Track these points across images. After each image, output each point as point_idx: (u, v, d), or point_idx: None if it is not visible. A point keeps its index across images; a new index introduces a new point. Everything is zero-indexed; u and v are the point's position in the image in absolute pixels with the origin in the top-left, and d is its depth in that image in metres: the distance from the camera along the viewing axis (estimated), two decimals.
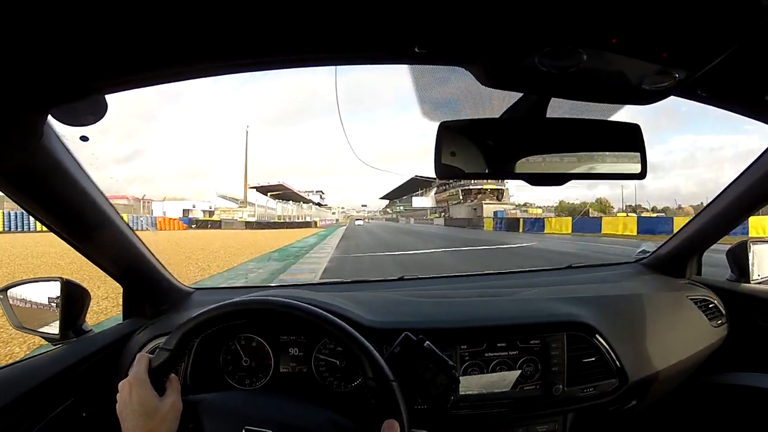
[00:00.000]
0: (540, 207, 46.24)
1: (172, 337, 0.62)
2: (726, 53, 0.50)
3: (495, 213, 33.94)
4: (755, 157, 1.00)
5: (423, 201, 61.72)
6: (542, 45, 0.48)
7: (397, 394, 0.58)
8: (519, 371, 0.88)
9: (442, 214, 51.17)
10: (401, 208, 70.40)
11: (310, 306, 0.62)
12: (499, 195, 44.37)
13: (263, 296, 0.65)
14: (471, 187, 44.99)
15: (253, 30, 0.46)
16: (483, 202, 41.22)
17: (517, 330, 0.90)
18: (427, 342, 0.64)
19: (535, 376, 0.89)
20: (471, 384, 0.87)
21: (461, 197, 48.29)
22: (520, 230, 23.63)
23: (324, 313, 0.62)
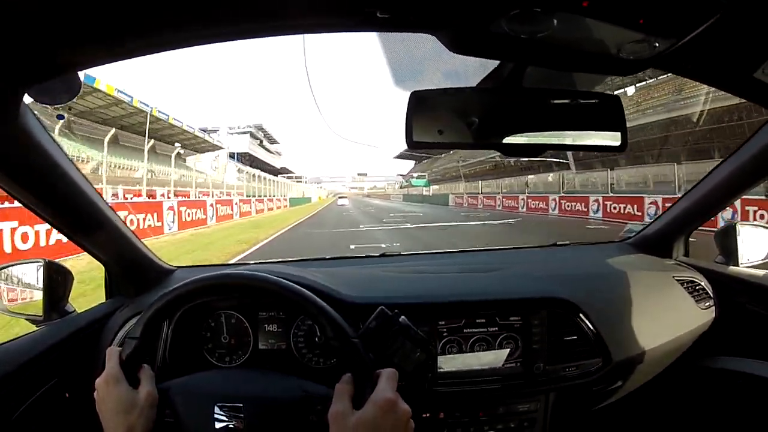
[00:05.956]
0: None
1: (137, 325, 0.63)
2: (708, 23, 0.48)
3: None
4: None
5: None
6: (509, 8, 0.46)
7: (361, 351, 0.58)
8: (503, 350, 0.88)
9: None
10: None
11: (267, 275, 0.62)
12: None
13: (229, 273, 0.65)
14: None
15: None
16: None
17: (497, 306, 0.89)
18: (403, 317, 0.64)
19: (516, 354, 0.88)
20: (450, 361, 0.86)
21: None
22: None
23: (280, 279, 0.62)
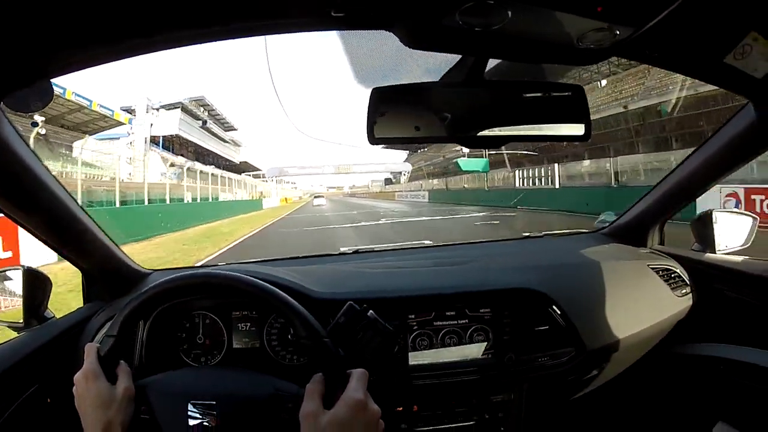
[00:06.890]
0: None
1: (114, 323, 0.64)
2: (669, 8, 0.47)
3: None
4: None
5: None
6: (461, 1, 0.46)
7: (331, 350, 0.59)
8: (474, 342, 0.89)
9: None
10: None
11: (244, 276, 0.62)
12: None
13: (201, 272, 0.65)
14: None
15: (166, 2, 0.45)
16: None
17: (466, 297, 0.90)
18: (371, 311, 0.64)
19: (487, 345, 0.89)
20: (422, 354, 0.87)
21: None
22: None
23: (254, 279, 0.63)
